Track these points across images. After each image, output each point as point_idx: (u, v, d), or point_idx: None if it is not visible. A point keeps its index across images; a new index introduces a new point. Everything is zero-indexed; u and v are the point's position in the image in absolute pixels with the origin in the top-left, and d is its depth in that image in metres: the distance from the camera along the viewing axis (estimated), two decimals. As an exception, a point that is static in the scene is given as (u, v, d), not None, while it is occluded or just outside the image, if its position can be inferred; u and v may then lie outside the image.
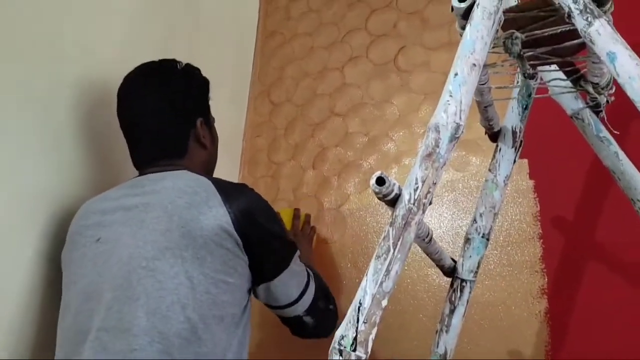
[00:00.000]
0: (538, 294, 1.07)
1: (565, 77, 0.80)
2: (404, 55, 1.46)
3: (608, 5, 0.59)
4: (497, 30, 0.64)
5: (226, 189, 0.86)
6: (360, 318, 0.51)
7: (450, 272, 0.81)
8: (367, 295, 0.52)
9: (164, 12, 1.31)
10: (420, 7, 1.49)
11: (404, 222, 0.54)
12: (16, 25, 0.90)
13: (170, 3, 1.33)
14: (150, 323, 0.76)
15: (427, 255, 0.77)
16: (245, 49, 1.72)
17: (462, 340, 0.79)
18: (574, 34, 0.63)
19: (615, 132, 0.83)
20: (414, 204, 0.55)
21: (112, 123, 0.99)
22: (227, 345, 0.83)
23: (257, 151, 1.59)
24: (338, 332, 0.51)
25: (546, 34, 0.67)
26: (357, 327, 0.50)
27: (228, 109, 1.58)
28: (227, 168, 1.54)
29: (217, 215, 0.82)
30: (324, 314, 0.98)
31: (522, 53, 0.69)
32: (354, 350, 0.50)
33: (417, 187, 0.55)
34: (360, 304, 0.52)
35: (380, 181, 0.55)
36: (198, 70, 1.03)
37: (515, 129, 0.85)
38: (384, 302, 0.52)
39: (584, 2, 0.58)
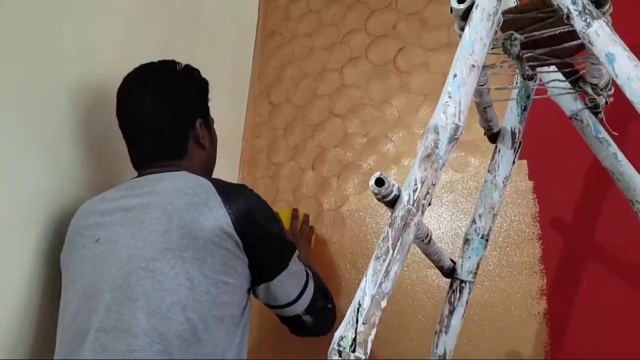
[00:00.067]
0: (537, 295, 1.07)
1: (564, 78, 0.81)
2: (403, 56, 1.46)
3: (607, 7, 0.59)
4: (496, 32, 0.64)
5: (226, 190, 0.87)
6: (359, 319, 0.51)
7: (450, 273, 0.81)
8: (366, 296, 0.52)
9: (164, 12, 1.31)
10: (420, 8, 1.49)
11: (403, 223, 0.54)
12: (16, 25, 0.90)
13: (170, 3, 1.33)
14: (150, 324, 0.76)
15: (426, 256, 0.77)
16: (244, 50, 1.73)
17: (461, 341, 0.79)
18: (572, 35, 0.64)
19: (614, 133, 0.83)
20: (413, 205, 0.55)
21: (111, 123, 0.99)
22: (227, 346, 0.83)
23: (256, 152, 1.59)
24: (337, 333, 0.51)
25: (545, 35, 0.67)
26: (356, 328, 0.50)
27: (227, 110, 1.58)
28: (227, 169, 1.54)
29: (217, 216, 0.83)
30: (323, 312, 0.99)
31: (521, 54, 0.69)
32: (353, 351, 0.50)
33: (416, 188, 0.55)
34: (359, 304, 0.52)
35: (380, 182, 0.55)
36: (197, 71, 1.03)
37: (514, 130, 0.85)
38: (383, 303, 0.52)
39: (582, 3, 0.58)
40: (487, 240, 0.81)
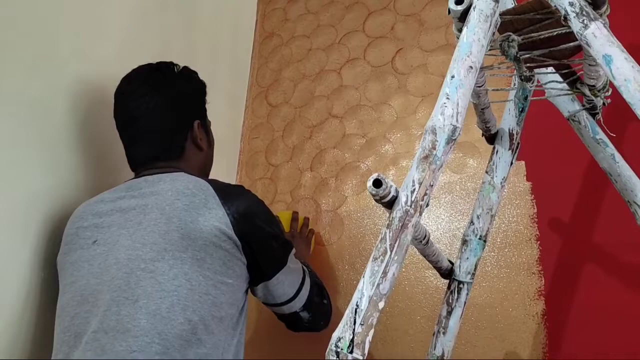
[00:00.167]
0: (535, 296, 1.07)
1: (561, 80, 0.81)
2: (401, 57, 1.46)
3: (604, 8, 0.59)
4: (494, 33, 0.64)
5: (224, 191, 0.87)
6: (357, 320, 0.51)
7: (448, 273, 0.81)
8: (364, 297, 0.52)
9: (162, 14, 1.30)
10: (418, 9, 1.49)
11: (400, 224, 0.54)
12: (13, 27, 0.90)
13: (168, 5, 1.33)
14: (150, 324, 0.76)
15: (424, 257, 0.77)
16: (243, 51, 1.73)
17: (459, 341, 0.79)
18: (570, 36, 0.64)
19: (612, 134, 0.84)
20: (410, 206, 0.55)
21: (109, 125, 0.99)
22: (226, 346, 0.83)
23: (254, 153, 1.59)
24: (335, 334, 0.51)
25: (543, 36, 0.67)
26: (354, 329, 0.50)
27: (226, 111, 1.58)
28: (225, 169, 1.54)
29: (216, 217, 0.83)
30: (319, 308, 1.00)
31: (518, 55, 0.69)
32: (351, 352, 0.50)
33: (414, 189, 0.55)
34: (357, 305, 0.52)
35: (377, 183, 0.55)
36: (195, 73, 1.04)
37: (512, 131, 0.86)
38: (381, 304, 0.52)
39: (580, 4, 0.58)
40: (485, 241, 0.81)
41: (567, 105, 0.86)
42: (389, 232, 0.54)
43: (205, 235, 0.81)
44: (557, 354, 1.02)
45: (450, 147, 0.57)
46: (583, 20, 0.58)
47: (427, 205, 0.57)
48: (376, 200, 0.56)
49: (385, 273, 0.52)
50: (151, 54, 1.06)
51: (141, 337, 0.75)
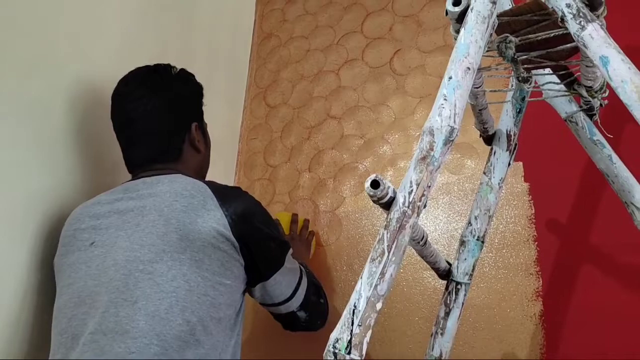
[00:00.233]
0: (533, 297, 1.07)
1: (559, 81, 0.81)
2: (399, 58, 1.46)
3: (601, 10, 0.60)
4: (491, 34, 0.65)
5: (222, 193, 0.87)
6: (355, 321, 0.51)
7: (445, 274, 0.81)
8: (361, 298, 0.52)
9: (160, 15, 1.30)
10: (416, 10, 1.50)
11: (398, 225, 0.54)
12: (12, 28, 0.90)
13: (166, 6, 1.33)
14: (149, 325, 0.76)
15: (422, 258, 0.77)
16: (241, 52, 1.73)
17: (457, 342, 0.79)
18: (567, 38, 0.64)
19: (609, 135, 0.84)
20: (408, 207, 0.55)
21: (107, 126, 0.99)
22: (224, 347, 0.83)
23: (253, 154, 1.59)
24: (332, 335, 0.51)
25: (540, 37, 0.68)
26: (351, 330, 0.50)
27: (224, 111, 1.58)
28: (223, 170, 1.54)
29: (214, 219, 0.83)
30: (316, 307, 1.01)
31: (516, 57, 0.70)
32: (349, 353, 0.49)
33: (412, 190, 0.55)
34: (355, 306, 0.52)
35: (375, 184, 0.55)
36: (192, 75, 1.04)
37: (509, 132, 0.86)
38: (379, 305, 0.52)
39: (577, 6, 0.58)
40: (482, 242, 0.81)
41: (565, 106, 0.86)
42: (387, 233, 0.54)
43: (203, 237, 0.81)
44: (554, 354, 1.02)
45: (448, 148, 0.57)
46: (580, 21, 0.58)
47: (425, 206, 0.57)
48: (374, 201, 0.56)
49: (383, 274, 0.52)
50: (150, 55, 1.07)
51: (140, 338, 0.75)
